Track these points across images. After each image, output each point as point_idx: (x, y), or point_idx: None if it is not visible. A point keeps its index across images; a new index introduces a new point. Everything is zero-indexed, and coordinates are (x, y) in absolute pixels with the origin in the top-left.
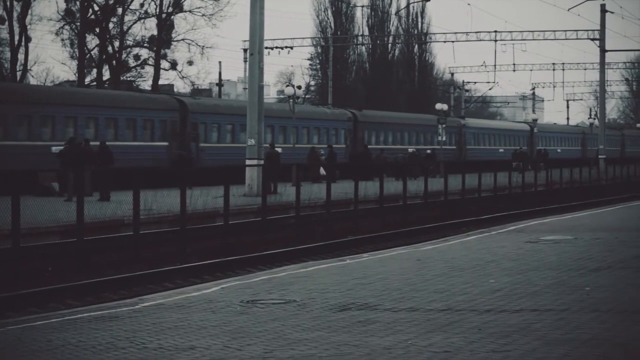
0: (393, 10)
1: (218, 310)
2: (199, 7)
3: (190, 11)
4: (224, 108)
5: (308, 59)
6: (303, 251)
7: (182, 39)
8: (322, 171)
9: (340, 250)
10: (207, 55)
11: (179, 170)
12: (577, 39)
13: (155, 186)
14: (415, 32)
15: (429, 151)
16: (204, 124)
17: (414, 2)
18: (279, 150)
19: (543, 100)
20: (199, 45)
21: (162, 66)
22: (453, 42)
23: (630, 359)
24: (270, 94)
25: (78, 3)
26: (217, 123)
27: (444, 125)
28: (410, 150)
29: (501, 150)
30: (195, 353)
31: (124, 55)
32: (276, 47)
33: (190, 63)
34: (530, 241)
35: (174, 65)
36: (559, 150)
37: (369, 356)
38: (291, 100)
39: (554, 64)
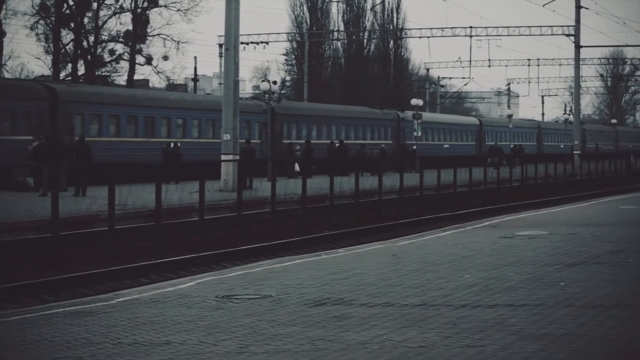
0: (368, 5)
1: (193, 305)
2: (174, 2)
3: (165, 6)
4: (108, 97)
5: (284, 54)
6: (278, 246)
7: (158, 34)
8: (297, 167)
9: (316, 246)
10: (183, 51)
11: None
12: (552, 34)
13: (132, 181)
14: (391, 27)
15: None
16: (81, 115)
17: None
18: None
19: (518, 96)
20: (175, 40)
21: (137, 61)
22: (428, 37)
23: (605, 354)
24: (246, 89)
25: None
26: (98, 114)
27: (419, 121)
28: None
29: (446, 145)
30: (171, 348)
31: (99, 50)
32: (252, 43)
33: (165, 58)
34: (506, 236)
35: (149, 60)
36: (511, 146)
37: (344, 351)
38: (267, 95)
39: (529, 59)
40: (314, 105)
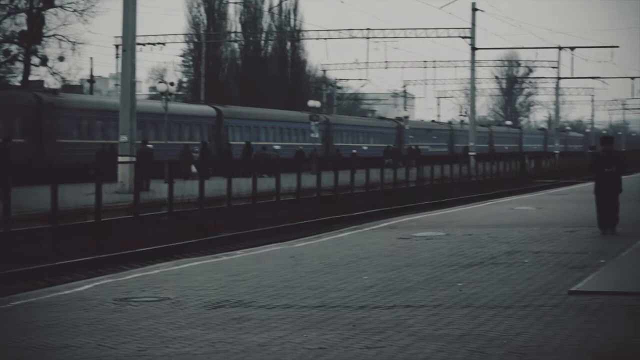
0: (266, 7)
1: (91, 308)
2: (70, 3)
3: (61, 7)
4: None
5: (181, 56)
6: (176, 248)
7: (53, 35)
8: (194, 169)
9: (214, 247)
10: (79, 51)
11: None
12: (449, 37)
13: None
14: (288, 29)
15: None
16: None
17: None
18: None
19: (414, 98)
20: (70, 41)
21: (32, 62)
22: (326, 39)
23: (502, 354)
24: (142, 90)
25: None
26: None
27: (316, 123)
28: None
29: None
30: (69, 352)
31: None
32: (148, 44)
33: (61, 59)
34: (403, 237)
35: (44, 61)
36: (277, 147)
37: (244, 353)
38: (164, 97)
39: (425, 61)
40: None
